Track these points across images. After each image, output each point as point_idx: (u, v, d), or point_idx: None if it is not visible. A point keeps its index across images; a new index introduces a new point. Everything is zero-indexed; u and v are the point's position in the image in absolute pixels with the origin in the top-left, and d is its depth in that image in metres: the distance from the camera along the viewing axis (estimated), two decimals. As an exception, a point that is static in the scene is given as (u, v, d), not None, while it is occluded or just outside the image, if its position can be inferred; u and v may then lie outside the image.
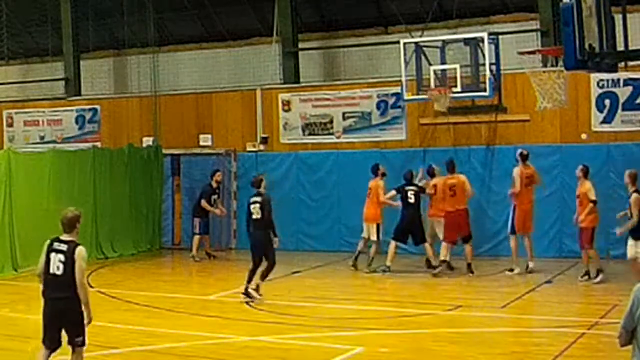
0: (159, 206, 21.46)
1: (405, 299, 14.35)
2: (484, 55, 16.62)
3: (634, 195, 13.84)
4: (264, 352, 10.58)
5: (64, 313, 8.38)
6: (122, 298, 14.48)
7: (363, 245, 17.07)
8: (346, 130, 20.08)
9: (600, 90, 17.60)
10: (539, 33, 18.76)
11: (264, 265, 13.85)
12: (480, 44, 16.70)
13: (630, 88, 17.29)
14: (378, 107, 19.74)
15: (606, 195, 16.40)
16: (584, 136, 17.69)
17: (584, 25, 10.85)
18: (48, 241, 8.52)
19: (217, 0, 22.58)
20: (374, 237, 16.78)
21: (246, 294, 13.85)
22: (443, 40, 17.36)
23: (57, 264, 8.31)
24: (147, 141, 21.93)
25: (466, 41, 17.07)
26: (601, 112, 17.65)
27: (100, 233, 19.52)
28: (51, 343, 8.49)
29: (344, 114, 20.11)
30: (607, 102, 17.58)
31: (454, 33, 18.76)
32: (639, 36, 13.10)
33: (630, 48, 11.79)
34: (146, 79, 22.61)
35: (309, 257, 18.85)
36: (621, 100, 17.45)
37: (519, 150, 16.54)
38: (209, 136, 21.43)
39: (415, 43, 17.43)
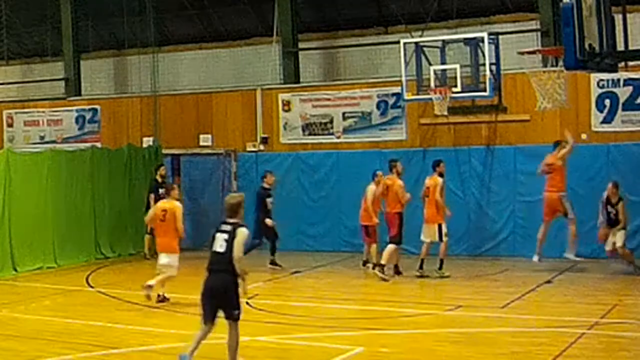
0: (159, 206, 21.40)
1: (405, 299, 14.34)
2: (484, 55, 16.64)
3: None
4: (264, 352, 10.57)
5: (222, 286, 9.10)
6: (122, 298, 14.47)
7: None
8: (346, 130, 20.07)
9: (600, 90, 17.60)
10: (539, 33, 18.76)
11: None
12: (480, 44, 16.72)
13: (630, 88, 17.29)
14: (378, 107, 19.74)
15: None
16: (584, 136, 17.68)
17: (584, 25, 10.83)
18: (217, 226, 9.38)
19: (217, 0, 22.58)
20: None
21: None
22: (443, 40, 17.38)
23: (220, 242, 9.14)
24: (147, 141, 21.92)
25: (466, 41, 17.09)
26: (601, 112, 17.64)
27: (99, 233, 19.48)
28: (208, 317, 9.23)
29: (344, 114, 20.11)
30: (607, 102, 17.58)
31: (454, 33, 18.75)
32: (639, 36, 13.10)
33: (630, 48, 11.78)
34: (146, 79, 22.60)
35: (309, 257, 18.84)
36: (621, 100, 17.44)
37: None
38: (209, 136, 21.43)
39: (415, 43, 17.45)
